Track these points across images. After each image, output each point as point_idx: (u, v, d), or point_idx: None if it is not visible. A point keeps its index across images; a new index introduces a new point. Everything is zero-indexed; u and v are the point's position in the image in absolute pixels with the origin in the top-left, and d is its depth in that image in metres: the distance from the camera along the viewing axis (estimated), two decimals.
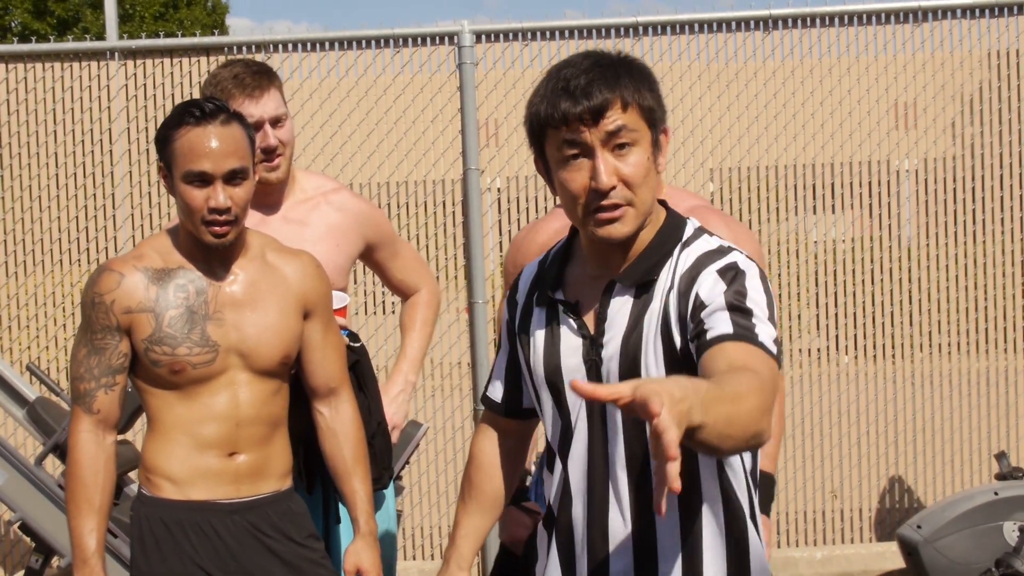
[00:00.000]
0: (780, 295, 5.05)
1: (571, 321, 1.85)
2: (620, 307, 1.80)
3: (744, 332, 1.64)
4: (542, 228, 2.71)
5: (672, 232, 1.83)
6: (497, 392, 2.04)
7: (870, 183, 5.05)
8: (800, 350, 5.15)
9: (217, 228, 2.28)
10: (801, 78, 4.95)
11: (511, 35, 4.87)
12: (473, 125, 4.81)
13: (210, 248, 2.33)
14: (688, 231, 1.84)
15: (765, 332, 1.65)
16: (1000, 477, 4.56)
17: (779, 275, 5.05)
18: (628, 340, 1.78)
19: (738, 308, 1.67)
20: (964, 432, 5.06)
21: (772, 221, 5.10)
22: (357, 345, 2.75)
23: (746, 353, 1.61)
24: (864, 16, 4.89)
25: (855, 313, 5.05)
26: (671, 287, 1.76)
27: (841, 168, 5.03)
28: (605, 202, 1.73)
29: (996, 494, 4.39)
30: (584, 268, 1.89)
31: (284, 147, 2.75)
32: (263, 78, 2.73)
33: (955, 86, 4.97)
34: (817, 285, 5.06)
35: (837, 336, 5.05)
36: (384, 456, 2.79)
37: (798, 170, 5.03)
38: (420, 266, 3.14)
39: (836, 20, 4.90)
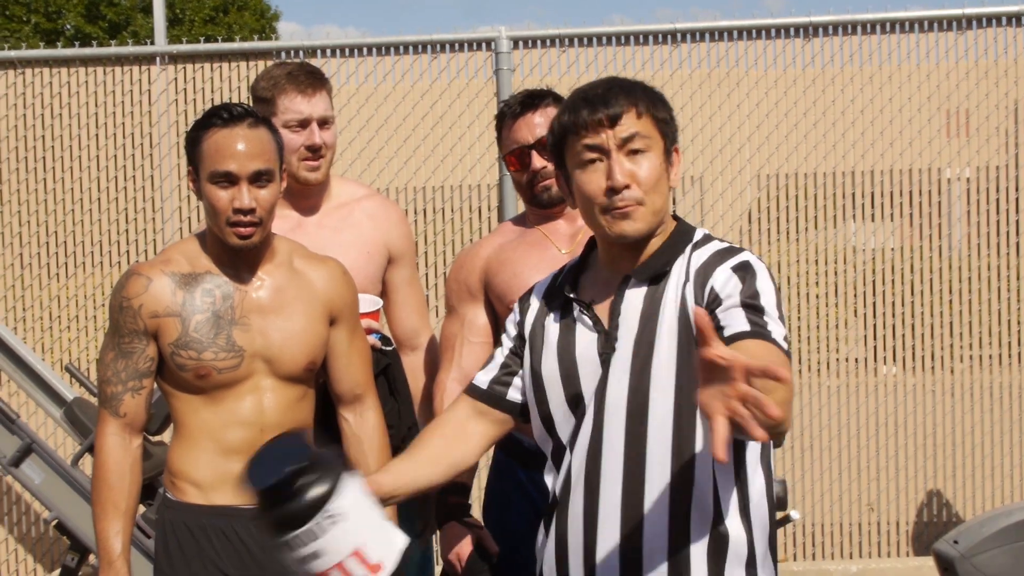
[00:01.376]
0: (820, 305, 4.99)
1: (585, 318, 1.93)
2: (633, 301, 1.89)
3: (759, 330, 1.72)
4: (485, 244, 2.76)
5: (683, 235, 1.94)
6: (484, 379, 2.07)
7: (910, 192, 4.98)
8: (839, 359, 5.08)
9: (242, 229, 2.27)
10: (841, 86, 4.89)
11: (548, 41, 4.85)
12: None
13: (237, 253, 2.33)
14: (698, 235, 1.95)
15: (777, 330, 1.74)
16: None
17: (818, 284, 4.99)
18: (642, 330, 1.86)
19: (752, 306, 1.76)
20: (1005, 446, 4.98)
21: (810, 229, 5.03)
22: (389, 349, 2.73)
23: (764, 349, 1.68)
24: (906, 24, 4.83)
25: (894, 324, 4.98)
26: (686, 280, 1.86)
27: (882, 176, 4.97)
28: (618, 200, 1.84)
29: None
30: (599, 274, 1.98)
31: (327, 149, 2.78)
32: (316, 79, 2.77)
33: (999, 94, 4.89)
34: (856, 296, 5.00)
35: (875, 347, 4.99)
36: None
37: (837, 178, 4.97)
38: (425, 313, 3.05)
39: (877, 28, 4.84)
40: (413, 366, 2.94)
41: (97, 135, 5.00)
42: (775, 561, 1.93)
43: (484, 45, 4.85)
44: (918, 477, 5.01)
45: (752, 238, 5.00)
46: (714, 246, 1.91)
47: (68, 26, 22.03)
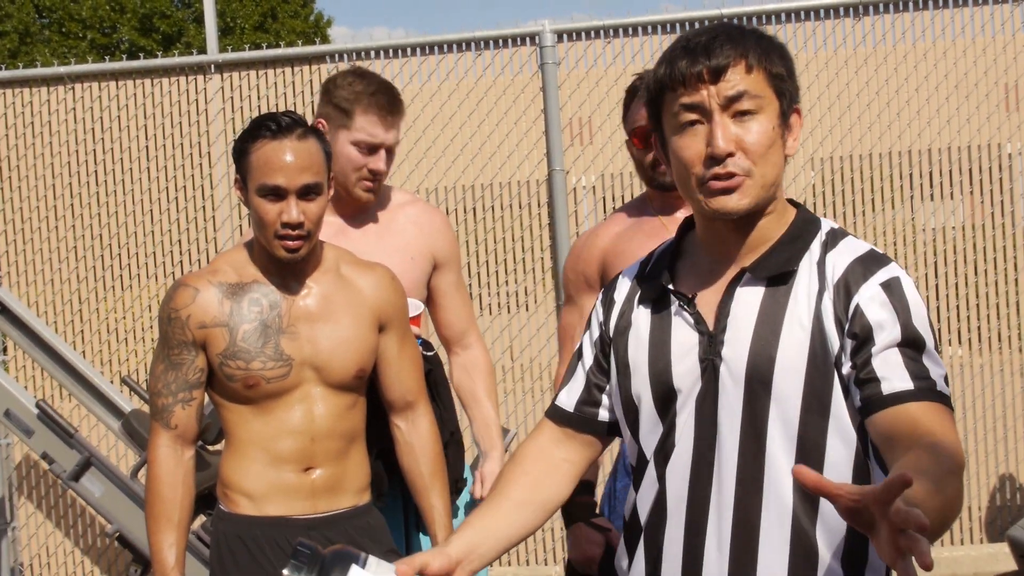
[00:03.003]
0: None
1: (686, 315, 1.65)
2: (748, 302, 1.61)
3: (925, 386, 1.48)
4: (602, 232, 2.62)
5: (807, 227, 1.65)
6: (570, 400, 1.79)
7: (971, 170, 4.86)
8: None
9: (290, 243, 2.25)
10: (895, 64, 4.78)
11: (592, 33, 4.79)
12: (557, 125, 4.76)
13: (284, 262, 2.30)
14: (826, 227, 1.66)
15: (938, 373, 1.51)
16: None
17: None
18: (759, 339, 1.58)
19: (912, 345, 1.51)
20: None
21: (868, 212, 4.93)
22: (431, 354, 2.69)
23: (931, 414, 1.45)
24: None
25: (958, 305, 4.87)
26: (821, 289, 1.58)
27: (940, 155, 4.85)
28: (719, 169, 1.54)
29: None
30: (699, 261, 1.70)
31: (385, 175, 2.75)
32: (398, 106, 2.73)
33: None
34: (928, 276, 4.89)
35: (940, 328, 4.87)
36: (457, 465, 2.72)
37: (894, 158, 4.86)
38: (472, 314, 2.98)
39: (930, 3, 4.72)
40: (465, 363, 2.92)
41: (147, 146, 5.03)
42: None
43: (528, 40, 4.81)
44: (989, 461, 4.90)
45: None
46: (851, 247, 1.62)
47: (123, 40, 22.32)
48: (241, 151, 2.29)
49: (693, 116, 1.56)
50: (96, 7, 22.59)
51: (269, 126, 2.26)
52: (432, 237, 2.84)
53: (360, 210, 2.80)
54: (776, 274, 1.60)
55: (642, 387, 1.67)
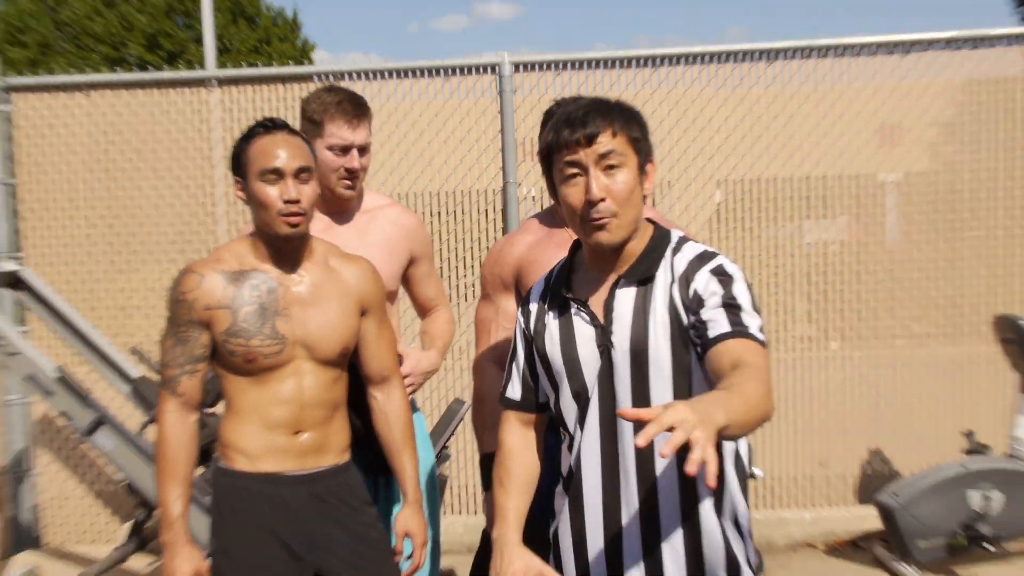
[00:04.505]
0: (777, 291, 4.94)
1: (583, 314, 1.88)
2: (625, 300, 1.83)
3: (739, 328, 1.68)
4: (517, 241, 2.63)
5: (661, 240, 1.89)
6: (516, 392, 2.05)
7: (857, 194, 4.92)
8: (794, 337, 5.03)
9: (291, 218, 2.21)
10: (799, 103, 4.82)
11: (545, 65, 4.77)
12: (511, 144, 4.75)
13: (282, 251, 2.27)
14: (674, 238, 1.89)
15: (754, 323, 1.70)
16: (968, 452, 4.45)
17: (776, 273, 4.93)
18: (635, 326, 1.81)
19: (730, 305, 1.72)
20: (936, 411, 4.94)
21: (771, 226, 4.98)
22: None
23: (743, 347, 1.65)
24: (856, 48, 4.75)
25: (842, 308, 4.93)
26: (672, 281, 1.81)
27: (824, 181, 4.91)
28: (595, 213, 1.79)
29: (964, 467, 4.27)
30: (587, 273, 1.93)
31: (362, 172, 2.70)
32: (362, 110, 2.67)
33: (936, 110, 4.82)
34: (809, 283, 4.94)
35: (827, 327, 4.93)
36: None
37: (794, 183, 4.91)
38: (442, 291, 3.01)
39: (830, 52, 4.75)
40: (433, 317, 2.95)
41: (154, 148, 4.95)
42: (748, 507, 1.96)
43: (489, 69, 4.78)
44: (862, 438, 4.97)
45: (720, 235, 4.94)
46: (691, 250, 1.85)
47: (131, 55, 21.84)
48: (239, 151, 2.27)
49: (575, 171, 1.81)
50: (108, 24, 22.09)
51: (263, 125, 2.26)
52: (408, 235, 2.80)
53: (345, 210, 2.76)
54: (642, 278, 1.83)
55: (559, 372, 1.90)
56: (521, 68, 4.78)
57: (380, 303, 2.43)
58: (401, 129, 4.85)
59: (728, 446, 1.88)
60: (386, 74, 4.83)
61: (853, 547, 4.82)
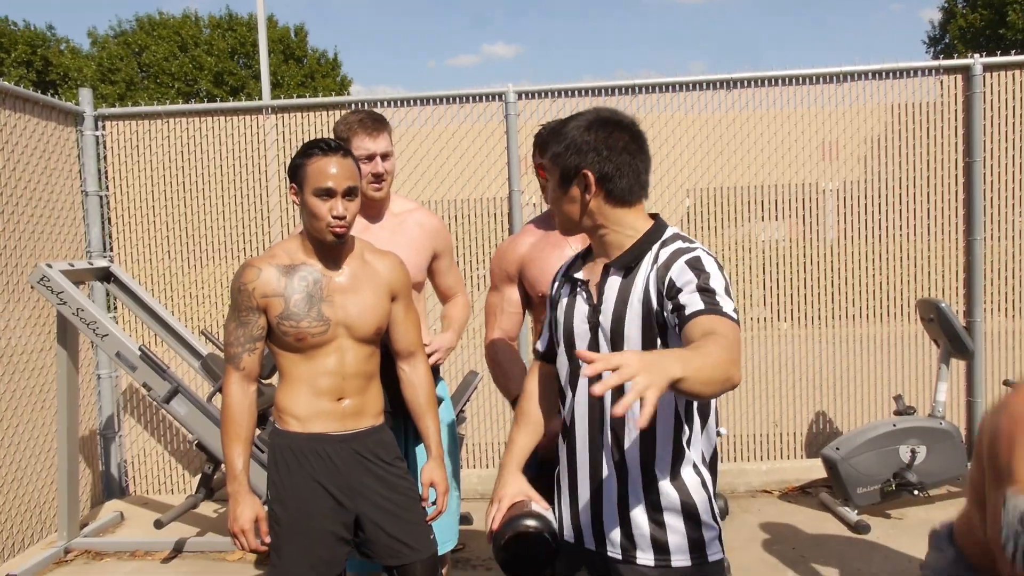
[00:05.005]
0: (737, 280, 4.90)
1: (583, 293, 1.84)
2: (612, 284, 1.78)
3: (711, 307, 1.59)
4: (520, 241, 2.59)
5: (652, 235, 1.78)
6: (543, 345, 2.02)
7: (803, 200, 4.88)
8: (751, 319, 5.00)
9: (337, 230, 2.18)
10: (753, 124, 4.78)
11: (544, 93, 4.75)
12: (516, 159, 4.72)
13: (326, 248, 2.23)
14: (667, 233, 1.78)
15: (727, 304, 1.61)
16: (897, 413, 4.41)
17: (736, 265, 4.90)
18: (616, 308, 1.76)
19: (704, 289, 1.62)
20: (870, 379, 4.91)
21: (731, 227, 4.94)
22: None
23: (714, 321, 1.56)
24: (800, 78, 4.71)
25: (792, 294, 4.89)
26: (651, 271, 1.73)
27: (774, 189, 4.87)
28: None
29: (894, 425, 4.24)
30: (595, 261, 1.89)
31: (388, 175, 2.66)
32: (379, 123, 2.65)
33: (867, 130, 4.78)
34: (764, 273, 4.91)
35: (779, 310, 4.90)
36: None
37: (750, 191, 4.87)
38: (460, 281, 2.96)
39: (779, 81, 4.72)
40: (453, 302, 2.90)
41: (221, 165, 4.92)
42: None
43: (496, 97, 4.75)
44: (809, 402, 4.94)
45: (689, 234, 4.90)
46: (676, 244, 1.73)
47: (201, 90, 21.78)
48: (297, 165, 2.22)
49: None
50: (182, 65, 22.04)
51: (321, 147, 2.20)
52: (432, 235, 2.77)
53: (379, 213, 2.73)
54: (625, 267, 1.76)
55: (561, 337, 1.86)
56: (523, 96, 4.75)
57: (407, 290, 2.39)
58: (424, 147, 4.82)
59: (696, 415, 1.77)
60: (410, 102, 4.80)
61: (803, 493, 4.79)
